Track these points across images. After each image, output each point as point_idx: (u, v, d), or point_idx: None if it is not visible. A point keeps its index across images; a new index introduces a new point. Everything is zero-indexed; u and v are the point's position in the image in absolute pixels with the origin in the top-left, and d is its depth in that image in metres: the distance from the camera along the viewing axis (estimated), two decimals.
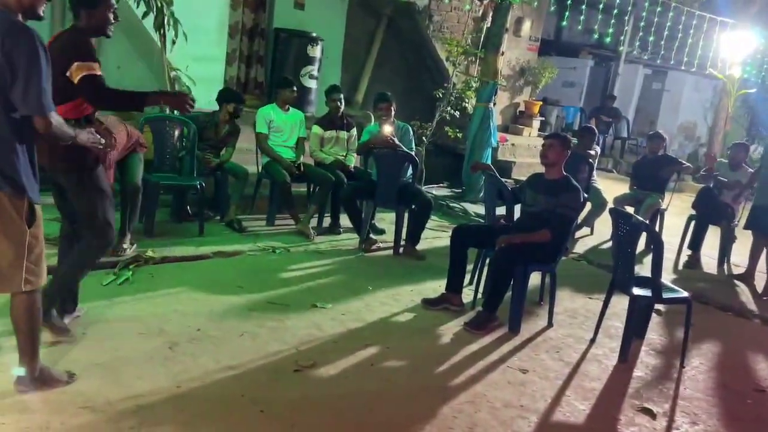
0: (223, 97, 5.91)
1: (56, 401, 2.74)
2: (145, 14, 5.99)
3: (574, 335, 4.40)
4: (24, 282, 2.61)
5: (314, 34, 8.34)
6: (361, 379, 3.38)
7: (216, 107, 5.92)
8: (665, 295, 4.07)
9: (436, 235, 6.54)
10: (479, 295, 4.71)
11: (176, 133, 5.67)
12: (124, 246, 4.71)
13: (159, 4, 6.15)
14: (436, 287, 4.86)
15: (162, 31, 6.21)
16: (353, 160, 6.44)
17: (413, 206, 5.75)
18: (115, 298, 4.01)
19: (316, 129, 6.28)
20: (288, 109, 6.19)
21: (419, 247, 5.79)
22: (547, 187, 4.46)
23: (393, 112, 5.93)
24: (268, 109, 6.18)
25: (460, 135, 8.57)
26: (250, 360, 3.41)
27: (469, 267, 4.81)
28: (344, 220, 6.14)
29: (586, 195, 5.93)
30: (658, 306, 4.72)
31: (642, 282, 4.13)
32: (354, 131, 6.52)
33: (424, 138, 8.24)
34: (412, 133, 6.19)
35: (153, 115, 5.55)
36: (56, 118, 2.58)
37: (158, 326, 3.66)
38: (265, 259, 5.22)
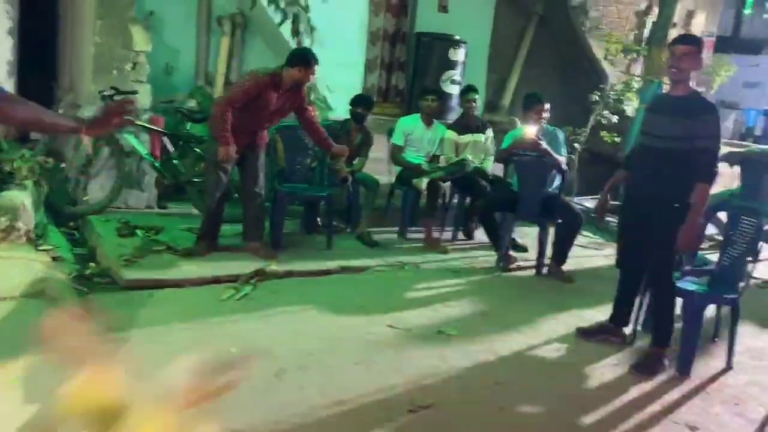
0: (351, 102, 5.65)
1: None
2: (282, 22, 5.89)
3: (760, 383, 3.57)
4: None
5: (457, 37, 7.91)
6: (486, 427, 2.86)
7: (349, 115, 5.68)
8: None
9: (588, 254, 5.81)
10: (638, 326, 3.97)
11: (308, 142, 5.48)
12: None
13: (296, 11, 6.03)
14: (586, 315, 4.21)
15: (299, 39, 6.09)
16: (491, 165, 5.90)
17: (560, 220, 5.10)
18: (230, 315, 3.80)
19: (450, 134, 5.81)
20: (431, 123, 5.80)
21: (566, 266, 5.12)
22: (676, 106, 3.44)
23: (546, 116, 5.29)
24: (409, 121, 5.83)
25: (618, 141, 7.70)
26: (360, 395, 3.01)
27: None
28: (481, 234, 5.62)
29: None
30: None
31: None
32: (490, 132, 6.00)
33: (576, 144, 7.48)
34: (562, 137, 5.52)
35: (284, 124, 5.39)
36: None
37: (268, 348, 3.38)
38: (393, 275, 4.84)
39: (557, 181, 5.29)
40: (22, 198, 4.23)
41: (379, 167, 5.94)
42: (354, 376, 3.20)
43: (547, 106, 5.27)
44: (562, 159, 5.31)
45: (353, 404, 2.93)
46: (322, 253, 5.08)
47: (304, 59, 4.57)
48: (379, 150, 5.96)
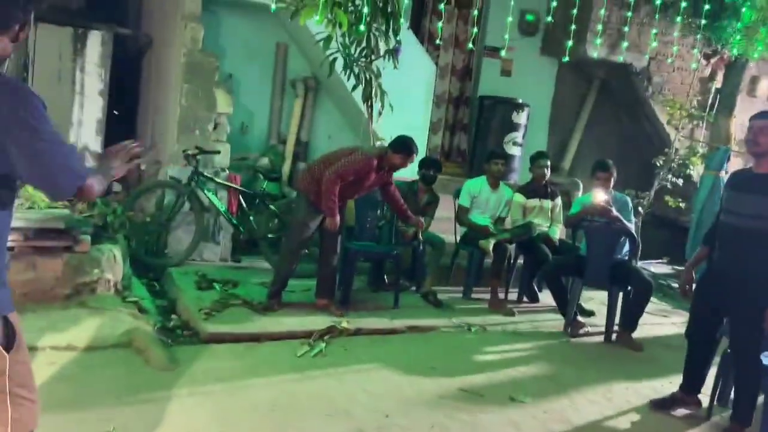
0: (421, 164, 5.82)
1: None
2: (355, 87, 6.15)
3: None
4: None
5: (520, 101, 8.07)
6: None
7: (416, 177, 5.85)
8: None
9: (655, 321, 5.73)
10: (715, 401, 3.90)
11: (377, 201, 5.65)
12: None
13: (368, 77, 6.28)
14: (658, 386, 4.15)
15: (369, 102, 6.33)
16: (557, 232, 5.94)
17: (629, 287, 5.08)
18: (306, 371, 3.91)
19: (518, 197, 5.91)
20: (497, 186, 5.92)
21: (634, 334, 5.07)
22: (760, 183, 3.41)
23: (612, 183, 5.34)
24: (475, 183, 5.96)
25: (682, 205, 7.64)
26: None
27: None
28: (545, 297, 5.62)
29: None
30: None
31: None
32: (559, 200, 6.05)
33: (640, 208, 7.45)
34: (631, 205, 5.54)
35: None
36: None
37: (346, 408, 3.46)
38: (460, 337, 4.88)
39: (626, 248, 5.29)
40: (113, 251, 4.48)
41: (443, 226, 6.06)
42: None
43: (615, 173, 5.32)
44: (632, 226, 5.32)
45: None
46: (389, 312, 5.16)
47: (407, 148, 4.87)
48: (443, 209, 6.08)
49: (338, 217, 4.74)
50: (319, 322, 4.63)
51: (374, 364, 4.14)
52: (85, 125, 6.41)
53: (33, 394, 1.87)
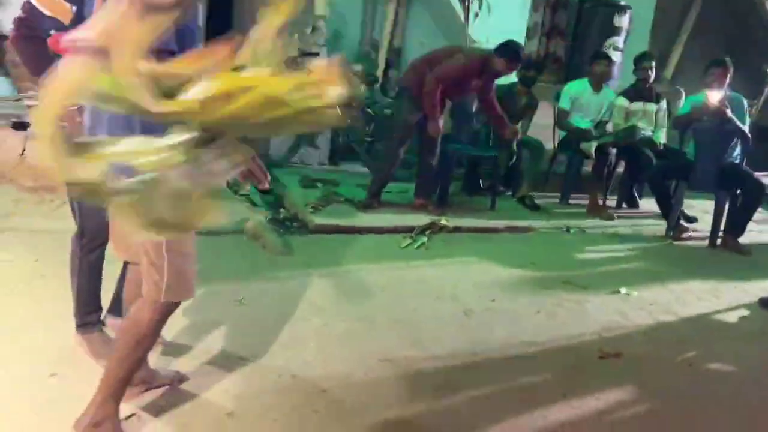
0: (522, 65, 5.67)
1: (358, 353, 2.78)
2: None
3: None
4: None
5: (622, 2, 7.65)
6: (678, 380, 2.89)
7: (515, 79, 5.73)
8: None
9: (760, 228, 5.54)
10: None
11: (474, 103, 5.61)
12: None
13: None
14: None
15: (467, 3, 6.19)
16: (661, 137, 5.73)
17: (738, 191, 4.90)
18: (411, 261, 4.05)
19: (621, 100, 5.71)
20: (600, 88, 5.73)
21: (742, 240, 4.92)
22: None
23: (728, 81, 5.06)
24: (577, 85, 5.79)
25: None
26: (549, 339, 3.13)
27: None
28: (645, 204, 5.51)
29: None
30: None
31: None
32: (664, 104, 5.81)
33: (748, 118, 7.05)
34: (746, 105, 5.25)
35: None
36: None
37: (452, 293, 3.58)
38: (559, 237, 4.89)
39: (737, 150, 5.07)
40: None
41: (541, 133, 5.96)
42: (538, 323, 3.32)
43: (731, 69, 5.03)
44: (746, 128, 5.07)
45: (543, 347, 3.05)
46: (485, 213, 5.22)
47: (515, 54, 4.74)
48: (541, 116, 5.97)
49: (440, 122, 4.75)
50: (419, 219, 4.74)
51: (475, 258, 4.24)
52: None
53: (188, 266, 1.93)
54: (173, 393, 2.28)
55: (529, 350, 2.99)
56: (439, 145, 5.03)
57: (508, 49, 4.77)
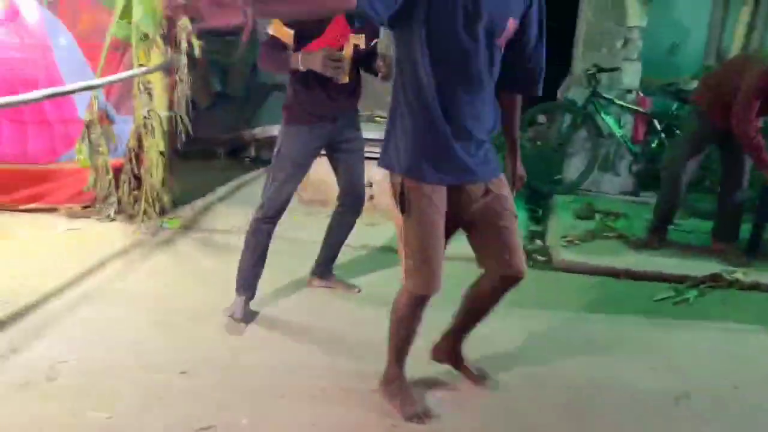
0: None
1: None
2: None
3: None
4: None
5: None
6: None
7: None
8: None
9: None
10: None
11: None
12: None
13: None
14: None
15: None
16: None
17: None
18: (660, 318, 3.27)
19: None
20: None
21: None
22: None
23: None
24: None
25: None
26: None
27: None
28: None
29: None
30: None
31: None
32: None
33: None
34: None
35: None
36: None
37: (678, 365, 2.79)
38: None
39: None
40: None
41: None
42: None
43: None
44: None
45: None
46: None
47: None
48: None
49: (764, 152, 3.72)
50: (703, 267, 3.82)
51: (754, 326, 3.22)
52: None
53: (424, 262, 2.08)
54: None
55: None
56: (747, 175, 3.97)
57: None
